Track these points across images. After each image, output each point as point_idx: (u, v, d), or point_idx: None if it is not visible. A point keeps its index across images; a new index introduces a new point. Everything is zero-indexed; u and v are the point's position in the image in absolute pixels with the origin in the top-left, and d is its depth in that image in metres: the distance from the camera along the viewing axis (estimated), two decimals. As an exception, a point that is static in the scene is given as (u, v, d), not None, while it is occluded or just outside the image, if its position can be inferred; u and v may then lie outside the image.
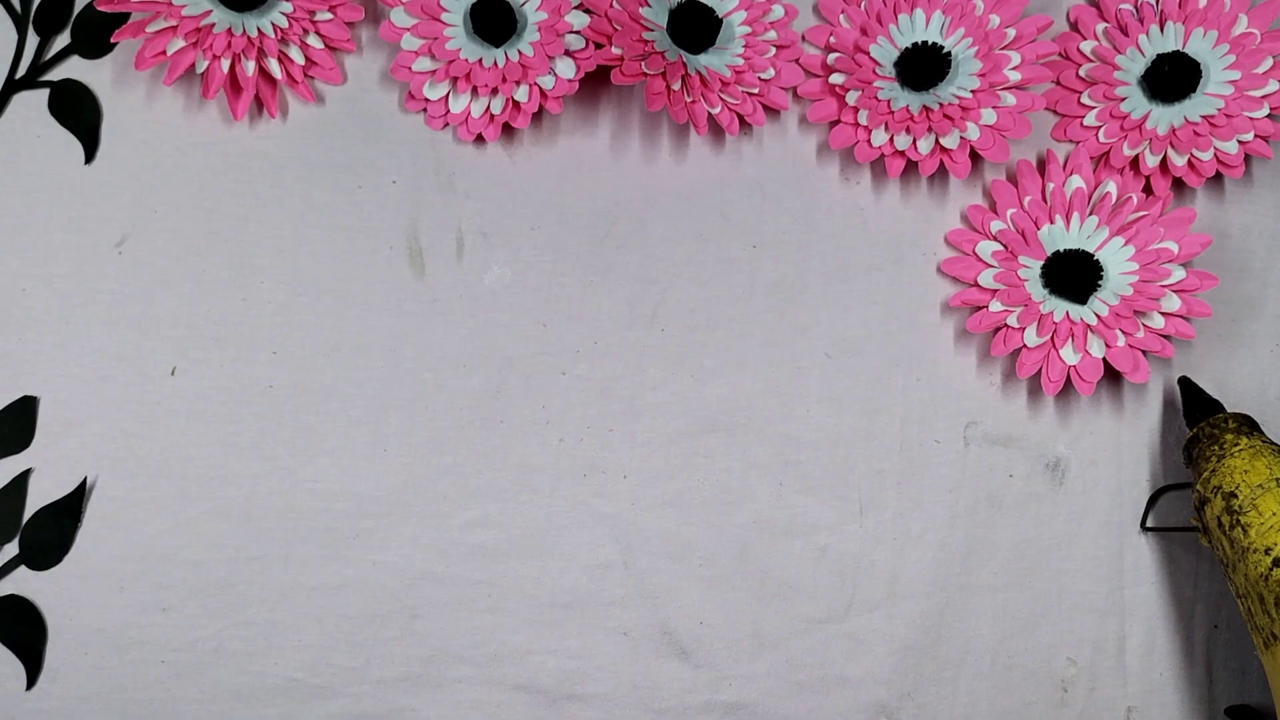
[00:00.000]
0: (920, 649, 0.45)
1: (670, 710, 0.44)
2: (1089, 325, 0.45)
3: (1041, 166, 0.47)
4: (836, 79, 0.47)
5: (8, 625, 0.44)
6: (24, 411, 0.45)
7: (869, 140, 0.46)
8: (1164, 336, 0.45)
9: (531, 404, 0.46)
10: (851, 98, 0.46)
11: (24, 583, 0.44)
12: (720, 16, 0.46)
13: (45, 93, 0.47)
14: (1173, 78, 0.46)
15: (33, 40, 0.47)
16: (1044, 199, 0.47)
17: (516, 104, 0.46)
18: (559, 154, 0.48)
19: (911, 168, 0.47)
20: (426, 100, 0.46)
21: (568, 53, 0.46)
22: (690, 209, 0.47)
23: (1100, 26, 0.48)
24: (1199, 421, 0.44)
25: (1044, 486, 0.47)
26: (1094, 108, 0.47)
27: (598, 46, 0.45)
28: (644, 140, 0.48)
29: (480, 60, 0.45)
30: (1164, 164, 0.46)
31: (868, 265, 0.47)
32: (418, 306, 0.46)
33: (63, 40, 0.48)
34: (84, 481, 0.45)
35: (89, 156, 0.47)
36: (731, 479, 0.46)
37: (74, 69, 0.47)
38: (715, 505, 0.46)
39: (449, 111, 0.46)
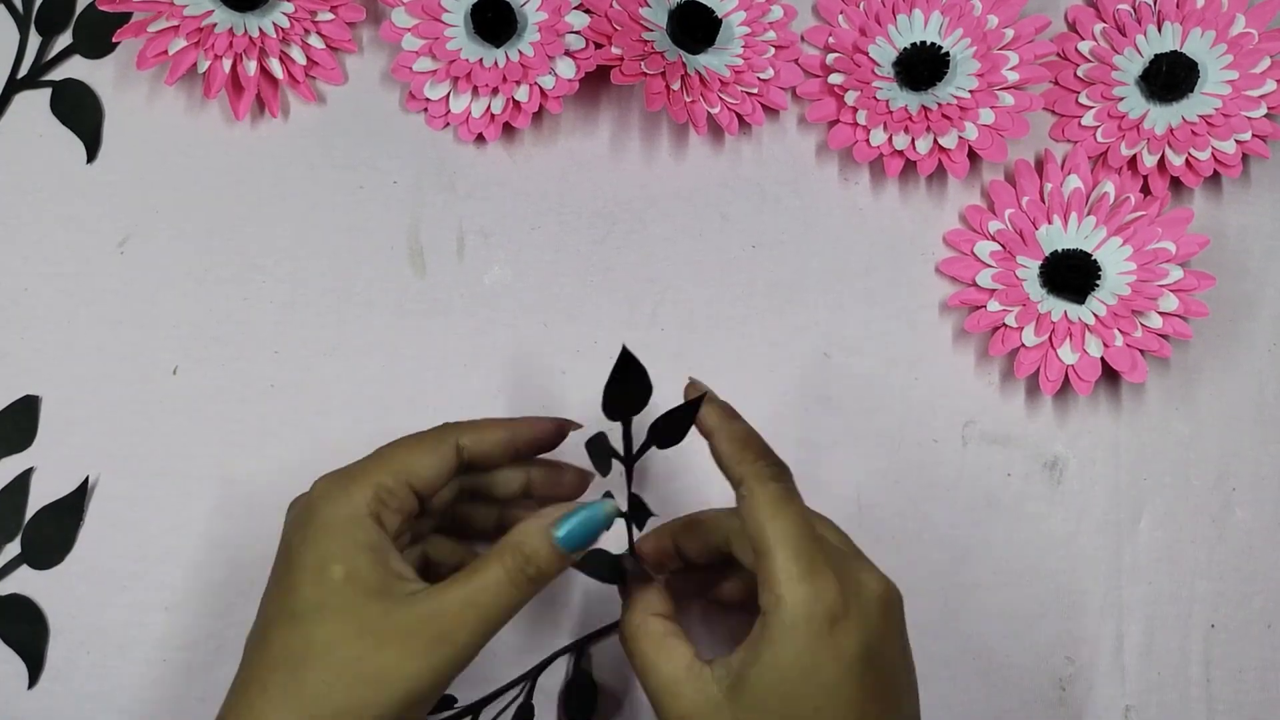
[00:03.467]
0: (918, 648, 0.45)
1: (670, 709, 0.45)
2: (1087, 325, 0.45)
3: (1039, 166, 0.48)
4: (835, 79, 0.47)
5: (10, 624, 0.44)
6: (26, 411, 0.45)
7: (868, 140, 0.46)
8: (1162, 336, 0.45)
9: (531, 404, 0.46)
10: (850, 98, 0.46)
11: (26, 582, 0.44)
12: (719, 17, 0.46)
13: (47, 92, 0.47)
14: (1170, 78, 0.46)
15: (35, 40, 0.48)
16: (1042, 199, 0.47)
17: (517, 104, 0.46)
18: (559, 154, 0.48)
19: (910, 167, 0.47)
20: (427, 100, 0.46)
21: (568, 53, 0.46)
22: (690, 209, 0.48)
23: (1098, 27, 0.48)
24: None
25: (1042, 486, 0.47)
26: (1092, 108, 0.47)
27: (598, 46, 0.45)
28: (644, 140, 0.48)
29: (481, 60, 0.45)
30: (1162, 164, 0.47)
31: (866, 265, 0.48)
32: (418, 306, 0.46)
33: (64, 40, 0.48)
34: (86, 480, 0.45)
35: (91, 156, 0.47)
36: (731, 478, 0.46)
37: (76, 68, 0.48)
38: (715, 504, 0.46)
39: (450, 111, 0.46)
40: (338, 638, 0.33)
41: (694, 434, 0.37)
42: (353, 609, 0.33)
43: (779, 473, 0.36)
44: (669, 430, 0.36)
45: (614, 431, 0.37)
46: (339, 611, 0.33)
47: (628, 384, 0.36)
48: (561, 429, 0.40)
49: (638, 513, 0.37)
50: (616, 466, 0.37)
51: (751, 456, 0.36)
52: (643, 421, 0.37)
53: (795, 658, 0.33)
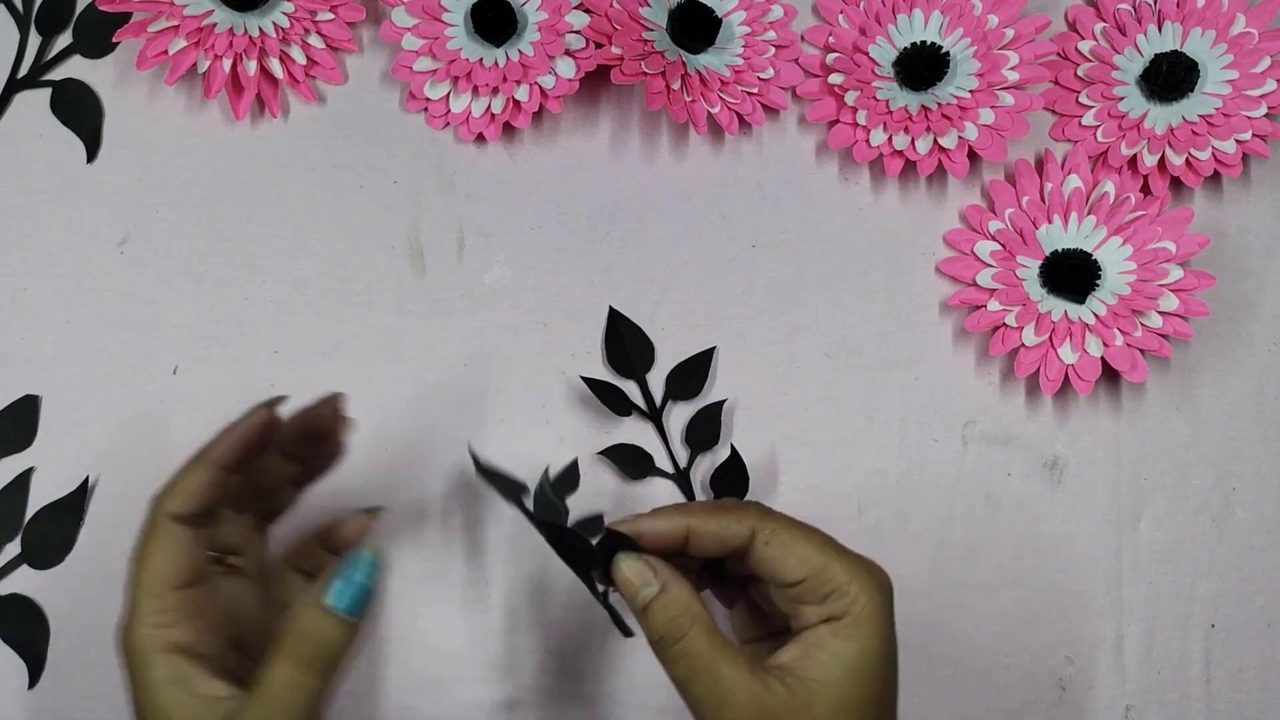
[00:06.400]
0: (919, 648, 0.45)
1: (669, 709, 0.45)
2: (1087, 325, 0.45)
3: (1040, 166, 0.48)
4: (835, 79, 0.47)
5: (10, 624, 0.44)
6: (26, 410, 0.45)
7: (868, 140, 0.46)
8: (1162, 336, 0.45)
9: (531, 404, 0.46)
10: (850, 97, 0.46)
11: (26, 581, 0.44)
12: (720, 16, 0.46)
13: (47, 92, 0.47)
14: (1170, 77, 0.46)
15: (35, 40, 0.48)
16: (1042, 199, 0.47)
17: (517, 103, 0.46)
18: (559, 154, 0.48)
19: (910, 167, 0.47)
20: (427, 100, 0.46)
21: (568, 52, 0.46)
22: (690, 209, 0.48)
23: (1098, 26, 0.48)
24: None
25: (1042, 485, 0.47)
26: (1092, 107, 0.47)
27: (598, 46, 0.45)
28: (644, 140, 0.48)
29: (481, 60, 0.45)
30: (1162, 163, 0.46)
31: (866, 265, 0.48)
32: (418, 306, 0.46)
33: (64, 40, 0.48)
34: (86, 480, 0.45)
35: (91, 156, 0.47)
36: (731, 478, 0.46)
37: (76, 68, 0.48)
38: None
39: (450, 111, 0.46)
40: None
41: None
42: None
43: (767, 508, 0.37)
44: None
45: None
46: None
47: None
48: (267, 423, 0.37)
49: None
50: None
51: (740, 510, 0.36)
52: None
53: (874, 645, 0.34)
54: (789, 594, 0.35)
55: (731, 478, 0.45)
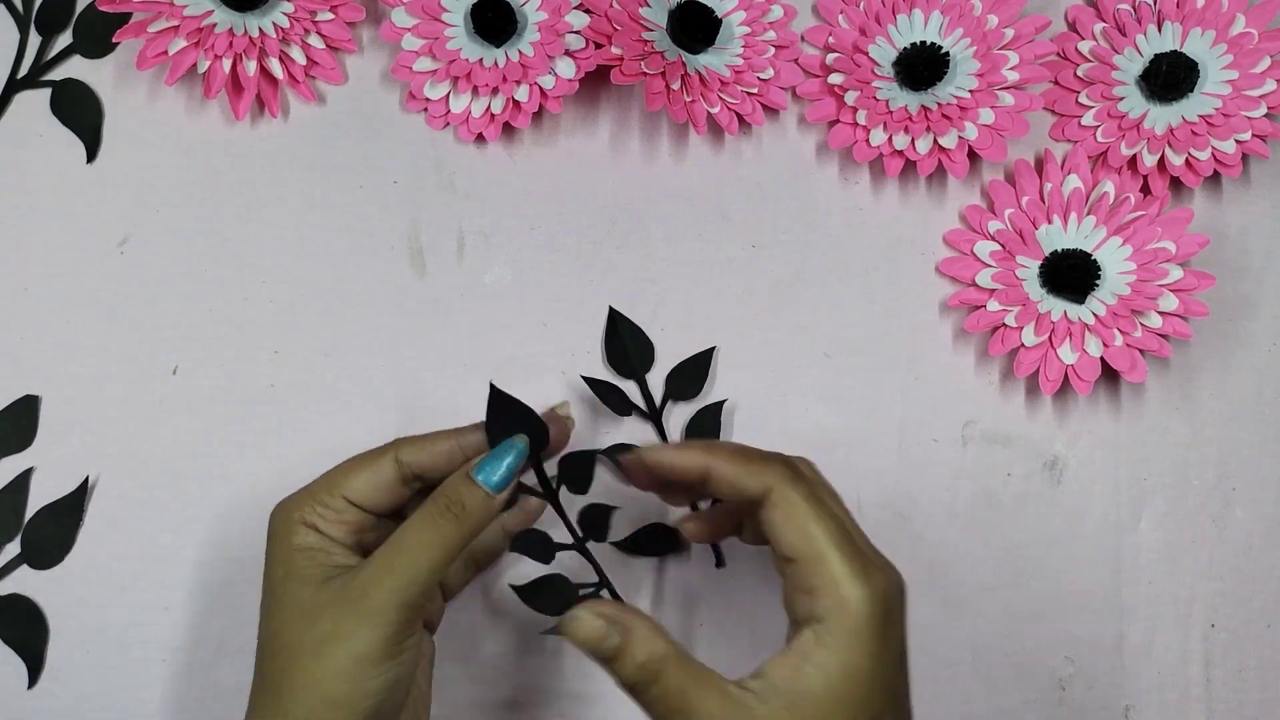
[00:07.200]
0: (918, 647, 0.45)
1: (670, 709, 0.45)
2: (1087, 325, 0.45)
3: (1039, 166, 0.48)
4: (835, 79, 0.47)
5: (9, 624, 0.44)
6: (25, 410, 0.45)
7: (867, 140, 0.46)
8: (1162, 336, 0.45)
9: (531, 403, 0.46)
10: (850, 98, 0.46)
11: (25, 582, 0.44)
12: (719, 16, 0.46)
13: (47, 92, 0.47)
14: (1170, 78, 0.46)
15: (34, 40, 0.47)
16: (1042, 199, 0.47)
17: (517, 104, 0.46)
18: (559, 154, 0.48)
19: (910, 167, 0.47)
20: (427, 100, 0.46)
21: (568, 53, 0.46)
22: (690, 209, 0.48)
23: (1098, 26, 0.48)
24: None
25: (1042, 485, 0.47)
26: (1092, 107, 0.47)
27: (598, 46, 0.45)
28: (644, 140, 0.48)
29: (481, 60, 0.45)
30: (1161, 164, 0.46)
31: (866, 265, 0.48)
32: (418, 306, 0.46)
33: (64, 40, 0.48)
34: (85, 480, 0.45)
35: (90, 156, 0.47)
36: (731, 478, 0.46)
37: (76, 68, 0.47)
38: (715, 504, 0.46)
39: (450, 111, 0.46)
40: (281, 627, 0.35)
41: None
42: (290, 599, 0.35)
43: (796, 471, 0.35)
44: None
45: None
46: (280, 603, 0.35)
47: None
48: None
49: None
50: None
51: (765, 466, 0.35)
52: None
53: (860, 660, 0.32)
54: (784, 572, 0.34)
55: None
